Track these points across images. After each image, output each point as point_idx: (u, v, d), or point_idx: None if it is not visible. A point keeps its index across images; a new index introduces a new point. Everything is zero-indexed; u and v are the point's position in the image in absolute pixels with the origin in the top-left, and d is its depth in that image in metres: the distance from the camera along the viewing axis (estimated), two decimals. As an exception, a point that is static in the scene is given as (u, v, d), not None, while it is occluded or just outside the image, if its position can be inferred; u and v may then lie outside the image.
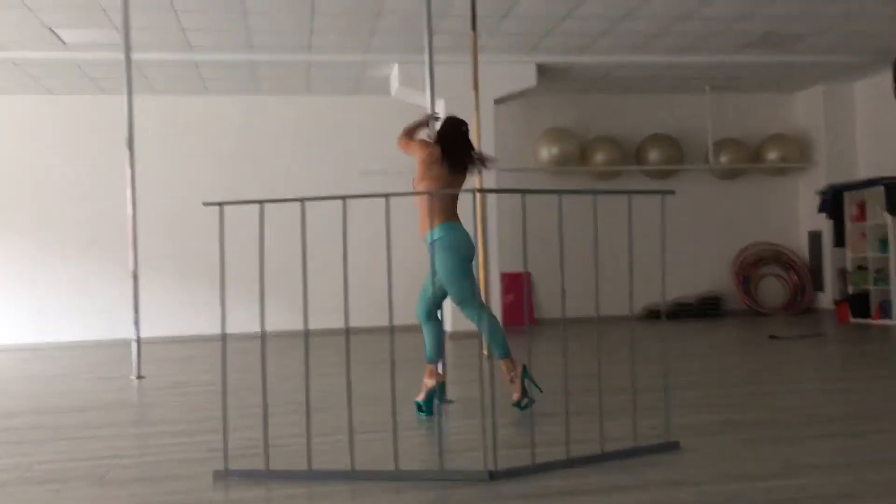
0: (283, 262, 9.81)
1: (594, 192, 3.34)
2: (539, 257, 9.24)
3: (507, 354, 4.48)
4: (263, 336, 3.23)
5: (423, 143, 4.62)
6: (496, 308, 9.51)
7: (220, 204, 3.25)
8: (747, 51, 9.41)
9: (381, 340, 8.78)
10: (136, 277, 6.91)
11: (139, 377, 6.65)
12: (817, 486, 2.91)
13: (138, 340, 6.82)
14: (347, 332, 3.35)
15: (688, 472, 3.15)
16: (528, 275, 10.90)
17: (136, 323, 6.84)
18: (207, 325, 10.33)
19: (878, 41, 9.13)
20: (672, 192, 3.45)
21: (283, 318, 9.89)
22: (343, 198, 3.23)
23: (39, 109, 10.23)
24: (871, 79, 10.65)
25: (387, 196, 3.23)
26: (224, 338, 3.34)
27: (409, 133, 4.76)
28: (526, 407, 4.40)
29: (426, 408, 4.49)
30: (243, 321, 10.21)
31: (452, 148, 4.48)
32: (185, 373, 7.03)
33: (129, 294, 9.93)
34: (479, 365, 3.25)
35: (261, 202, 3.28)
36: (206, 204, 3.23)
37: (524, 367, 4.42)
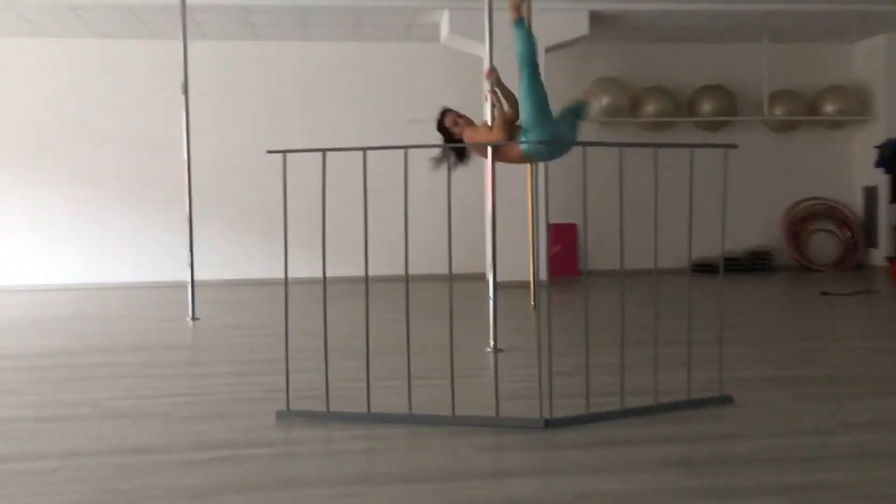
0: (336, 209, 9.86)
1: (655, 146, 3.32)
2: (588, 209, 9.20)
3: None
4: (325, 281, 3.29)
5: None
6: (542, 259, 9.50)
7: (284, 152, 3.29)
8: (808, -1, 9.13)
9: (435, 288, 8.85)
10: (191, 221, 7.05)
11: (194, 319, 6.82)
12: (873, 441, 2.92)
13: (192, 283, 6.98)
14: (407, 276, 3.41)
15: (741, 426, 3.18)
16: (574, 226, 10.87)
17: (191, 266, 7.00)
18: (259, 269, 10.50)
19: (947, -10, 8.79)
20: (735, 146, 3.41)
21: (335, 265, 10.02)
22: (405, 148, 3.26)
23: (91, 52, 10.34)
24: (937, 29, 10.27)
25: (448, 147, 3.24)
26: (286, 282, 3.42)
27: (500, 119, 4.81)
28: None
29: None
30: (296, 267, 10.37)
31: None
32: (237, 315, 7.19)
33: (183, 238, 10.16)
34: (533, 314, 3.28)
35: (323, 150, 3.32)
36: (270, 152, 3.28)
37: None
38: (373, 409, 3.39)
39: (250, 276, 10.55)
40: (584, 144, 3.13)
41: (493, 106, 4.78)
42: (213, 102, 10.28)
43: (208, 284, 9.78)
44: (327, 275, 10.19)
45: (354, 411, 3.39)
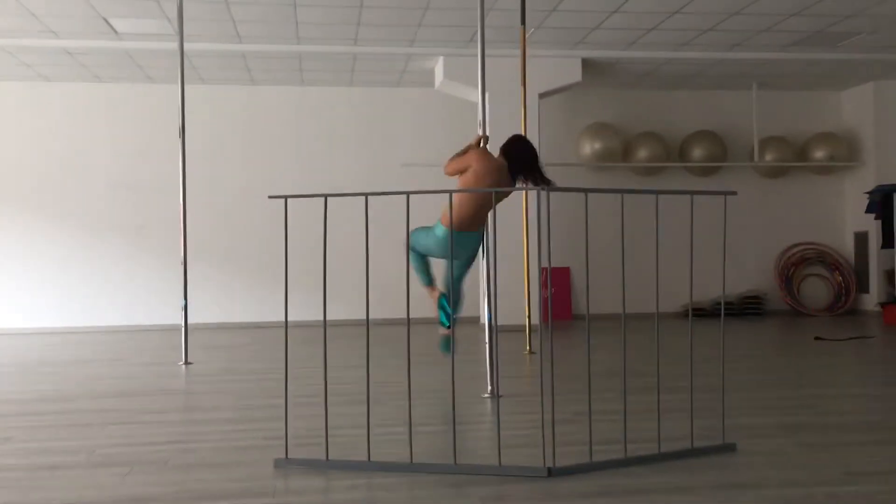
0: (330, 253, 9.85)
1: (656, 192, 3.34)
2: (578, 253, 9.21)
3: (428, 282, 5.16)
4: (325, 326, 3.27)
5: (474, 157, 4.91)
6: (535, 302, 9.49)
7: (285, 197, 3.29)
8: (796, 48, 9.29)
9: (428, 331, 8.81)
10: (185, 265, 7.01)
11: (187, 363, 6.76)
12: (881, 493, 2.89)
13: (186, 327, 6.93)
14: (409, 322, 3.39)
15: (748, 475, 3.15)
16: (568, 270, 10.88)
17: (185, 310, 6.94)
18: (249, 312, 10.46)
19: (933, 40, 8.96)
20: (734, 193, 3.43)
21: (330, 309, 9.97)
22: (407, 193, 3.27)
23: (87, 96, 10.39)
24: (923, 78, 10.46)
25: (450, 193, 3.26)
26: (286, 326, 3.39)
27: (459, 156, 5.01)
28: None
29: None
30: (290, 310, 10.32)
31: (519, 164, 4.84)
32: (230, 360, 7.12)
33: (172, 281, 10.10)
34: (537, 360, 3.26)
35: (325, 196, 3.32)
36: (272, 197, 3.28)
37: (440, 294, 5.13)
38: (373, 458, 3.34)
39: (241, 320, 10.50)
40: (587, 191, 3.14)
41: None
42: (207, 146, 10.32)
43: (199, 328, 9.72)
44: (319, 318, 10.03)
45: (354, 459, 3.34)
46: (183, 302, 6.94)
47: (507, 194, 4.93)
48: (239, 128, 10.62)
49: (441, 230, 4.90)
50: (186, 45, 8.16)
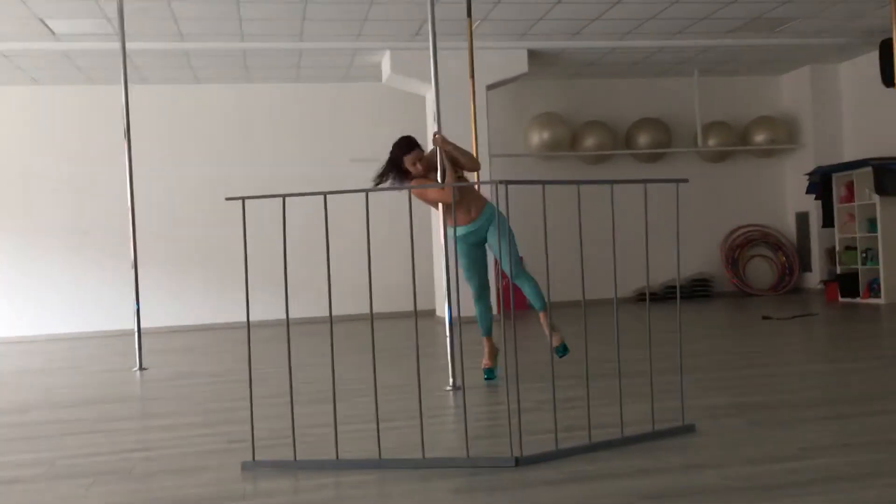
0: (278, 251, 9.81)
1: (611, 182, 3.39)
2: (532, 244, 9.32)
3: (545, 307, 5.16)
4: (288, 325, 3.26)
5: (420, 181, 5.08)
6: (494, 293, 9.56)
7: (243, 198, 3.26)
8: (735, 34, 9.50)
9: (385, 326, 8.84)
10: (136, 268, 6.90)
11: (142, 369, 6.66)
12: (838, 465, 2.99)
13: (139, 332, 6.82)
14: (372, 320, 3.40)
15: (708, 455, 3.23)
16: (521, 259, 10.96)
17: (138, 314, 6.84)
18: (201, 314, 10.34)
19: (864, 22, 9.23)
20: (686, 181, 3.51)
21: (275, 307, 9.91)
22: (366, 191, 3.27)
23: (26, 100, 10.14)
24: (857, 59, 10.77)
25: (409, 189, 3.27)
26: (248, 326, 3.37)
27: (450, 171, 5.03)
28: (564, 353, 5.24)
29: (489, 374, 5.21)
30: (236, 310, 10.24)
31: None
32: (185, 363, 7.04)
33: (120, 285, 9.93)
34: (502, 352, 3.30)
35: (283, 196, 3.30)
36: (230, 199, 3.25)
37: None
38: (341, 456, 3.34)
39: (192, 322, 10.37)
40: (545, 183, 3.18)
41: (444, 166, 4.93)
42: (153, 147, 10.16)
43: (150, 332, 9.59)
44: (275, 317, 9.96)
45: (322, 459, 3.34)
46: (135, 306, 6.83)
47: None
48: (184, 127, 10.46)
49: (449, 232, 5.18)
50: (128, 45, 8.02)
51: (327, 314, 9.89)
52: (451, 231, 5.15)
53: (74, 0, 7.33)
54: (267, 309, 9.92)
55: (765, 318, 8.23)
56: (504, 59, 9.58)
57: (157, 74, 9.90)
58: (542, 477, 3.04)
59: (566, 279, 9.20)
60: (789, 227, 11.69)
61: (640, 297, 10.99)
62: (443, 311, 9.22)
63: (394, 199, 9.94)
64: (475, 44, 8.69)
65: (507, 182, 3.09)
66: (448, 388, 4.96)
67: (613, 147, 11.07)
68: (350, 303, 9.66)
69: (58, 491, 3.13)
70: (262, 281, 9.56)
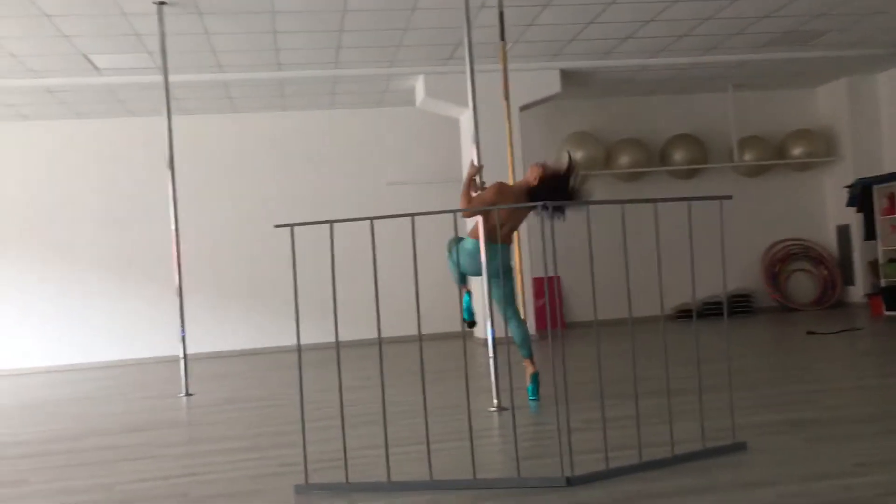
0: (320, 276, 9.86)
1: (655, 201, 3.41)
2: (567, 262, 9.30)
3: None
4: (338, 349, 3.31)
5: (491, 191, 5.10)
6: (529, 312, 9.56)
7: (291, 226, 3.33)
8: (769, 48, 9.46)
9: (426, 350, 8.84)
10: (181, 295, 7.02)
11: (188, 394, 6.75)
12: (893, 482, 2.96)
13: (185, 358, 6.93)
14: (421, 341, 3.43)
15: (761, 473, 3.21)
16: (558, 279, 10.95)
17: (183, 340, 6.94)
18: (243, 339, 10.46)
19: (902, 33, 9.15)
20: (729, 198, 3.51)
21: (318, 332, 9.98)
22: (412, 215, 3.32)
23: (70, 133, 10.39)
24: (895, 70, 10.65)
25: (454, 212, 3.31)
26: (300, 351, 3.43)
27: (467, 193, 5.17)
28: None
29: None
30: (287, 335, 10.34)
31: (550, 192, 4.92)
32: (230, 388, 7.12)
33: (163, 313, 10.09)
34: (552, 370, 3.31)
35: (331, 222, 3.36)
36: (278, 226, 3.32)
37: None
38: (392, 478, 3.37)
39: (235, 348, 10.49)
40: (589, 203, 3.21)
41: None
42: (192, 175, 10.33)
43: (193, 358, 9.69)
44: (321, 341, 10.05)
45: (374, 481, 3.37)
46: (181, 333, 6.94)
47: (525, 215, 5.20)
48: (223, 156, 10.65)
49: (469, 242, 5.17)
50: (170, 78, 8.19)
51: (364, 338, 9.99)
52: (476, 244, 5.10)
53: (117, 35, 7.52)
54: (312, 333, 9.99)
55: (809, 333, 8.13)
56: (537, 79, 9.63)
57: (195, 105, 10.11)
58: (594, 497, 3.04)
59: (602, 298, 9.15)
60: (830, 241, 11.55)
61: (678, 315, 10.90)
62: (481, 331, 9.23)
63: (433, 222, 9.99)
64: (510, 65, 8.75)
65: (551, 204, 3.12)
66: (492, 408, 4.97)
67: (648, 164, 11.04)
68: (388, 325, 9.67)
69: (118, 516, 3.20)
70: (304, 306, 9.61)
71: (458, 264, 5.30)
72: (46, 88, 8.91)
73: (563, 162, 5.15)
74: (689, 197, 3.35)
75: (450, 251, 5.33)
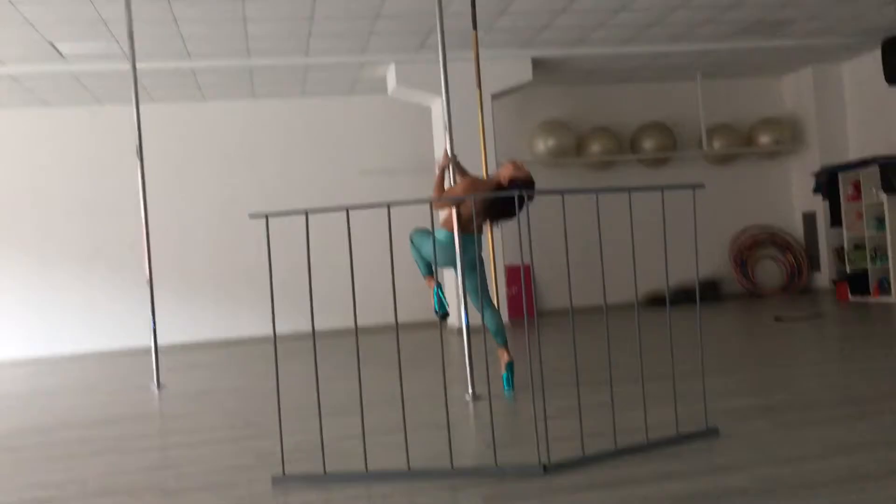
0: (301, 266, 9.83)
1: (629, 190, 3.44)
2: (537, 250, 9.34)
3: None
4: (314, 337, 3.30)
5: (462, 185, 5.11)
6: (502, 301, 9.60)
7: (266, 215, 3.31)
8: (737, 37, 9.55)
9: (394, 337, 8.82)
10: (151, 286, 6.94)
11: (159, 386, 6.69)
12: (864, 464, 3.02)
13: (156, 349, 6.86)
14: (398, 331, 3.43)
15: (734, 457, 3.26)
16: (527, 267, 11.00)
17: (154, 331, 6.88)
18: (213, 329, 10.38)
19: (865, 22, 9.27)
20: (702, 186, 3.55)
21: (291, 321, 9.94)
22: (387, 205, 3.32)
23: (36, 122, 10.20)
24: (860, 58, 10.81)
25: (431, 202, 3.31)
26: (275, 341, 3.42)
27: (440, 185, 5.19)
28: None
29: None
30: (259, 325, 10.28)
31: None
32: (202, 380, 7.08)
33: (132, 303, 9.98)
34: (527, 358, 3.33)
35: (306, 212, 3.35)
36: (252, 216, 3.30)
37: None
38: (369, 467, 3.38)
39: (206, 338, 10.41)
40: (564, 192, 3.23)
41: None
42: (161, 165, 10.21)
43: (164, 349, 9.60)
44: (295, 330, 9.99)
45: (351, 471, 3.38)
46: (152, 324, 6.87)
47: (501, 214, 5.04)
48: (192, 144, 10.53)
49: (442, 234, 5.10)
50: (137, 65, 8.08)
51: (339, 326, 9.96)
52: (449, 235, 5.07)
53: (83, 23, 7.40)
54: (284, 323, 9.92)
55: (777, 318, 8.25)
56: (509, 67, 9.64)
57: (163, 93, 9.97)
58: (570, 483, 3.07)
59: (575, 286, 9.22)
60: (797, 228, 11.72)
61: (649, 302, 11.01)
62: (456, 320, 9.26)
63: (407, 211, 9.98)
64: (481, 53, 8.74)
65: (526, 192, 3.13)
66: (468, 397, 4.99)
67: (619, 152, 11.11)
68: (363, 314, 9.65)
69: (93, 509, 3.17)
70: (279, 295, 9.56)
71: (422, 256, 5.32)
72: (11, 76, 8.74)
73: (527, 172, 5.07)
74: (663, 186, 3.38)
75: (413, 242, 5.35)
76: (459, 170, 5.35)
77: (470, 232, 5.03)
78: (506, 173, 5.00)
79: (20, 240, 10.11)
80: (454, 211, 4.93)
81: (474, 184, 5.11)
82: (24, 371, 8.93)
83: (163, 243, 10.00)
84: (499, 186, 4.99)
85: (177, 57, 8.65)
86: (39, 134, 10.21)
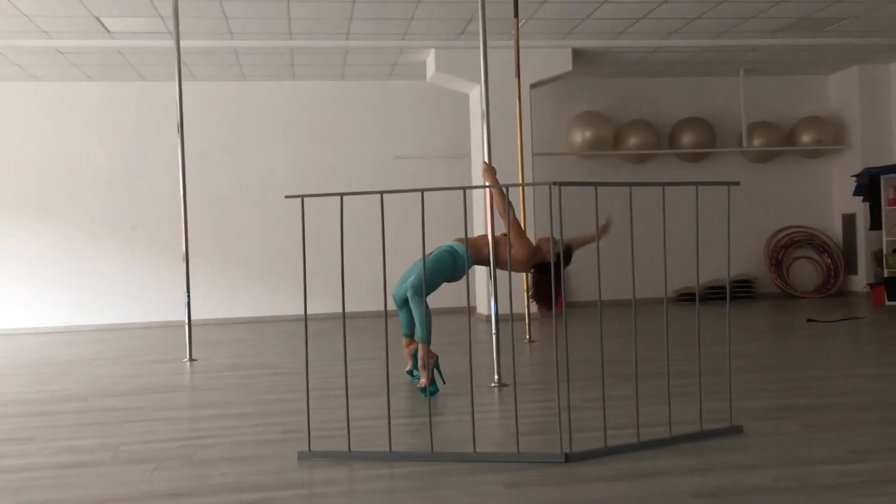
0: (328, 246, 9.93)
1: (663, 185, 3.43)
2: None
3: (429, 340, 4.88)
4: (344, 319, 3.35)
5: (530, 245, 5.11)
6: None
7: (302, 196, 3.36)
8: (782, 34, 9.41)
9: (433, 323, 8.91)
10: (187, 261, 7.06)
11: (192, 360, 6.81)
12: (889, 469, 3.01)
13: (190, 323, 6.98)
14: (424, 314, 3.46)
15: (756, 456, 3.26)
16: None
17: (188, 306, 7.00)
18: (248, 307, 10.54)
19: (917, 23, 9.10)
20: (737, 183, 3.53)
21: (324, 302, 10.04)
22: (421, 191, 3.35)
23: (79, 96, 10.38)
24: (907, 61, 10.60)
25: (464, 189, 3.34)
26: (306, 321, 3.47)
27: (503, 201, 4.89)
28: (432, 394, 4.69)
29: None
30: (293, 304, 10.41)
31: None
32: (234, 355, 7.19)
33: (169, 278, 10.16)
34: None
35: (341, 195, 3.39)
36: (289, 197, 3.35)
37: (436, 358, 4.95)
38: (393, 448, 3.43)
39: (240, 315, 10.56)
40: (597, 185, 3.24)
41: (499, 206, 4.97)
42: (200, 143, 10.34)
43: (198, 324, 9.77)
44: (326, 311, 10.07)
45: (376, 450, 3.43)
46: (186, 298, 6.99)
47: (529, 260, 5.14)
48: (231, 123, 10.65)
49: (462, 248, 4.99)
50: (181, 43, 8.18)
51: (369, 309, 10.02)
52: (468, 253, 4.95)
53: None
54: (317, 304, 10.05)
55: (810, 320, 8.17)
56: (548, 57, 9.60)
57: (204, 71, 10.09)
58: (591, 473, 3.09)
59: (607, 279, 9.22)
60: (835, 229, 11.55)
61: (680, 298, 10.95)
62: (484, 307, 9.29)
63: (441, 197, 10.01)
64: (522, 43, 8.73)
65: (560, 183, 3.15)
66: (493, 384, 5.03)
67: (657, 146, 11.03)
68: (392, 299, 9.75)
69: (125, 475, 3.26)
70: (311, 275, 9.67)
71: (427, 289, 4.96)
72: (57, 50, 8.90)
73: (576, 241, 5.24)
74: (697, 182, 3.37)
75: (418, 294, 4.88)
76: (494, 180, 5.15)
77: (486, 264, 5.07)
78: (545, 247, 5.10)
79: (61, 211, 10.31)
80: (510, 251, 4.67)
81: (538, 245, 5.17)
82: (62, 339, 9.13)
83: (200, 220, 10.15)
84: (536, 254, 5.08)
85: (220, 36, 8.75)
86: (83, 107, 10.39)
